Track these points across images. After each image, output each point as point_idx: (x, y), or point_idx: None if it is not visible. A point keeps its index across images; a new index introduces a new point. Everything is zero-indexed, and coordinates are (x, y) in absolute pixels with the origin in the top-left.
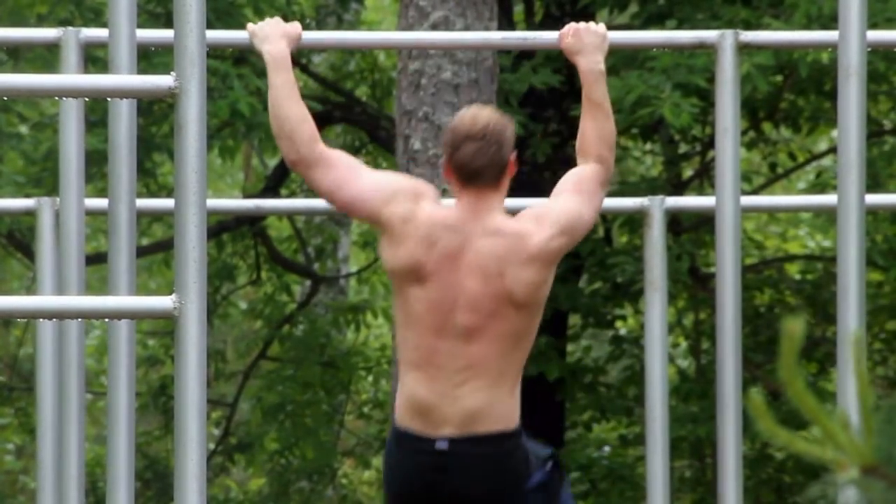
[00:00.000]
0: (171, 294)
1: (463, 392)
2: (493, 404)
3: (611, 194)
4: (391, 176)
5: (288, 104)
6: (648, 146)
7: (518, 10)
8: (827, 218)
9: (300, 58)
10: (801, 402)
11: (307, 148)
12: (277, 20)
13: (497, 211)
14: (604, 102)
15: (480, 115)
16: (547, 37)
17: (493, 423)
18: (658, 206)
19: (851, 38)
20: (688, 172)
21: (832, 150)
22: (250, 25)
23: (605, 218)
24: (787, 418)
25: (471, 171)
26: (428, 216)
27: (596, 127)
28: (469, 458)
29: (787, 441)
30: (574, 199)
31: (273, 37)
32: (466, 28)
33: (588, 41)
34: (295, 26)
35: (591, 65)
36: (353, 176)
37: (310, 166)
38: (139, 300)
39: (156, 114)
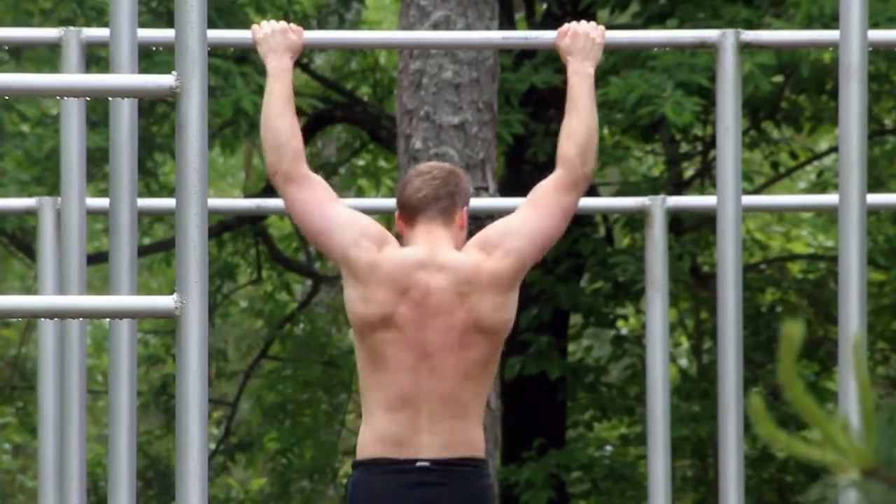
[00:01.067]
0: (172, 293)
1: (440, 428)
2: (469, 435)
3: (612, 194)
4: (357, 215)
5: (282, 116)
6: (650, 146)
7: (519, 16)
8: (828, 217)
9: (301, 57)
10: (800, 405)
11: (293, 163)
12: (283, 27)
13: (447, 247)
14: (582, 104)
15: (436, 163)
16: (548, 36)
17: (471, 451)
18: (659, 205)
19: (852, 38)
20: (689, 172)
21: (833, 149)
22: (255, 29)
23: (607, 218)
24: (788, 418)
25: (415, 203)
26: (392, 262)
27: (569, 127)
28: (452, 475)
29: (787, 444)
30: (527, 215)
31: (278, 49)
32: (467, 27)
33: (581, 45)
34: (298, 35)
35: (579, 67)
36: (327, 204)
37: (290, 181)
38: (141, 300)
39: (157, 113)
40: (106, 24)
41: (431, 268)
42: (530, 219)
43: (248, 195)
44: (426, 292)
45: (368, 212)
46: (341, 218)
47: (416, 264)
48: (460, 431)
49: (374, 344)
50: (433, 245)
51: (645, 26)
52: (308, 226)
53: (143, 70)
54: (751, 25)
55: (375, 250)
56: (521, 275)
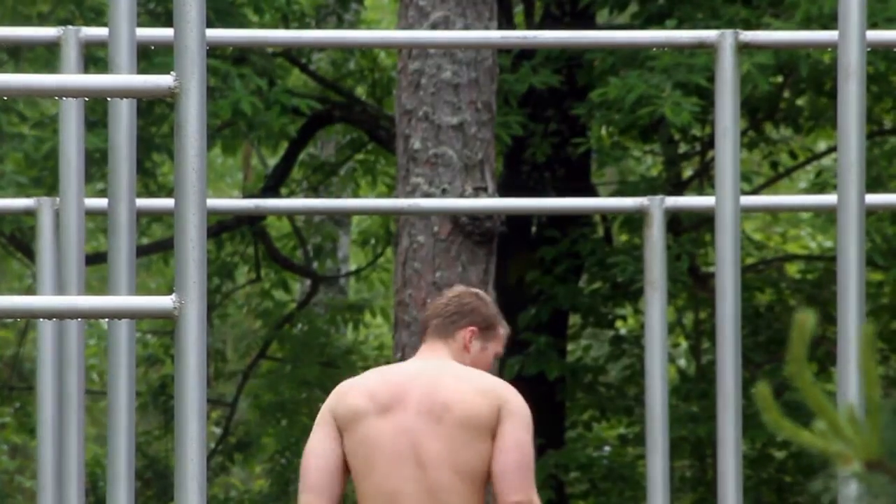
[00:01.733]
0: (170, 293)
1: None
2: None
3: (610, 194)
4: (320, 419)
5: None
6: (648, 146)
7: (518, 10)
8: (827, 218)
9: (300, 57)
10: (807, 394)
11: None
12: None
13: (443, 359)
14: None
15: (457, 287)
16: (547, 36)
17: None
18: (658, 205)
19: (851, 38)
20: (688, 172)
21: (832, 149)
22: None
23: (605, 218)
24: (789, 414)
25: (423, 321)
26: (376, 373)
27: None
28: None
29: (792, 433)
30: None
31: None
32: (466, 28)
33: None
34: None
35: None
36: (313, 448)
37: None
38: (139, 300)
39: (156, 114)
40: (104, 25)
41: (423, 372)
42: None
43: (246, 195)
44: (410, 388)
45: (366, 211)
46: (317, 434)
47: (409, 368)
48: None
49: (361, 436)
50: (429, 357)
51: (643, 26)
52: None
53: (142, 70)
54: (749, 26)
55: (341, 396)
56: (485, 426)
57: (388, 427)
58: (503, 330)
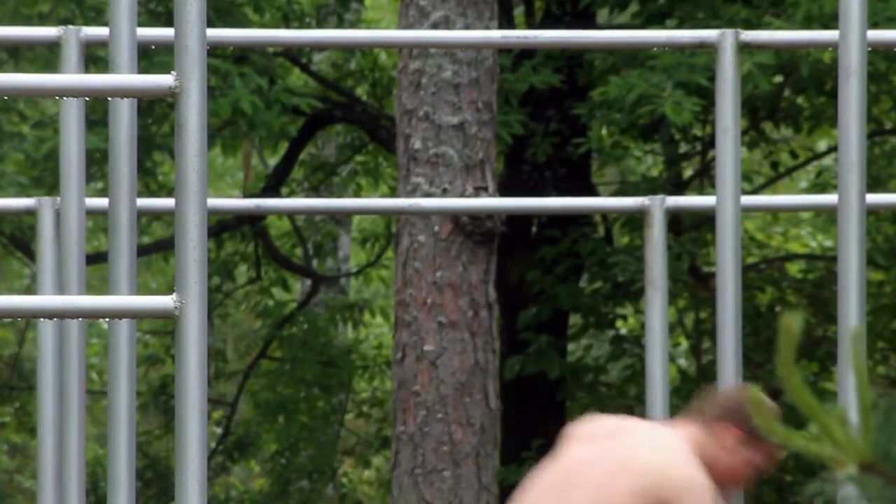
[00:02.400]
0: (171, 293)
1: None
2: None
3: (611, 194)
4: None
5: None
6: (649, 146)
7: (518, 10)
8: (828, 217)
9: (301, 57)
10: (798, 398)
11: None
12: None
13: (669, 431)
14: None
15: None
16: (547, 36)
17: None
18: (658, 205)
19: (852, 38)
20: (688, 172)
21: (833, 149)
22: None
23: (606, 217)
24: (785, 418)
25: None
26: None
27: None
28: None
29: (785, 437)
30: None
31: None
32: (467, 27)
33: None
34: None
35: None
36: None
37: None
38: (140, 300)
39: (156, 113)
40: (104, 24)
41: (639, 426)
42: None
43: (247, 195)
44: (614, 432)
45: (367, 211)
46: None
47: (634, 420)
48: None
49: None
50: (662, 425)
51: (644, 26)
52: None
53: (143, 70)
54: (750, 25)
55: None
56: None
57: (570, 454)
58: (773, 451)
